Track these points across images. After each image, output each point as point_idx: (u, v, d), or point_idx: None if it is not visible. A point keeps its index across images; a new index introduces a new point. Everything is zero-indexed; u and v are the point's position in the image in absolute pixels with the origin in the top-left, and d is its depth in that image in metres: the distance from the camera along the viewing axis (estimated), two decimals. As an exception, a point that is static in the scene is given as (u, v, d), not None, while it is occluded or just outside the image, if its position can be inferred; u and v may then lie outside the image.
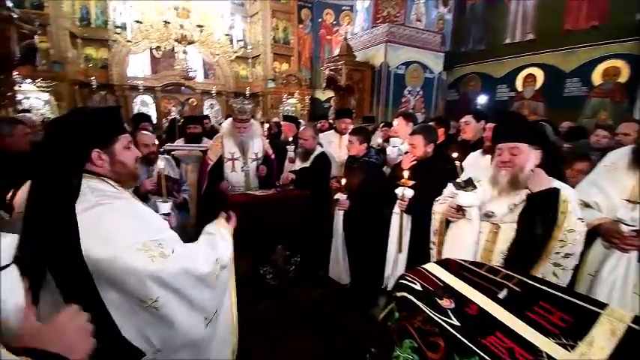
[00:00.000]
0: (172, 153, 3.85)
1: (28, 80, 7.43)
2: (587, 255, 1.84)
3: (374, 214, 2.78)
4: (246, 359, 2.17)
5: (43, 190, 1.10)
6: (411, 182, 2.39)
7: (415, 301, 1.14)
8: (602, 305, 1.14)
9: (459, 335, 0.98)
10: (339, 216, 3.04)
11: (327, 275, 3.18)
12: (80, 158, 1.17)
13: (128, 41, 6.04)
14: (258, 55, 12.76)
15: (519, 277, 1.34)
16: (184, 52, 8.39)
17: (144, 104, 11.02)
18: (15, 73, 4.92)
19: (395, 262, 2.57)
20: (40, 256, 1.02)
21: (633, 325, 1.03)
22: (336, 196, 2.72)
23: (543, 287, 1.28)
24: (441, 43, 7.97)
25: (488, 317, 1.11)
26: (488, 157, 2.50)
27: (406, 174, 2.39)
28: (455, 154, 3.13)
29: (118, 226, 1.12)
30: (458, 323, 1.05)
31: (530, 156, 1.65)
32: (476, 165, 2.71)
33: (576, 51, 6.36)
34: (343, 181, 2.72)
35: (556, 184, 1.67)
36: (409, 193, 2.36)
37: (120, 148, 1.26)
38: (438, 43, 7.82)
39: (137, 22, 5.78)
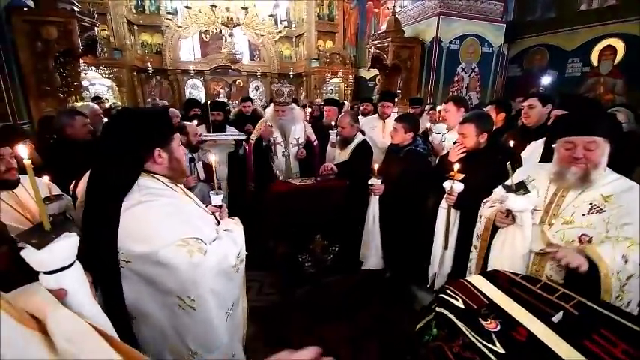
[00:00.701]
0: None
1: (93, 68, 8.11)
2: None
3: (417, 205, 2.65)
4: (282, 344, 2.30)
5: (101, 186, 1.17)
6: (461, 176, 2.20)
7: (455, 320, 1.07)
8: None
9: (502, 366, 0.90)
10: (374, 201, 2.93)
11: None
12: (143, 157, 1.21)
13: (179, 26, 6.29)
14: (302, 34, 12.56)
15: (579, 297, 1.19)
16: (230, 36, 8.57)
17: (194, 87, 11.57)
18: (82, 61, 5.39)
19: (441, 259, 2.45)
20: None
21: None
22: (370, 181, 2.63)
23: (606, 312, 1.12)
24: (503, 12, 7.09)
25: (539, 344, 1.00)
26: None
27: (456, 167, 2.20)
28: (512, 143, 2.84)
29: (158, 223, 1.15)
30: (502, 350, 0.96)
31: (605, 152, 1.45)
32: (536, 158, 2.43)
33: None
34: (376, 166, 2.63)
35: (622, 179, 1.49)
36: (458, 187, 2.17)
37: (175, 145, 1.30)
38: (500, 11, 6.96)
39: (186, 7, 5.96)
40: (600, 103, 2.82)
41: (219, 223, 1.51)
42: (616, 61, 6.29)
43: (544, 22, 7.34)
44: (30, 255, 0.75)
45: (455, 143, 2.63)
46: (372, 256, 3.03)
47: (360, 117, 5.28)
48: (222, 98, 12.24)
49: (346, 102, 10.15)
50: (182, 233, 1.17)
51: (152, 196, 1.18)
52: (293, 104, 3.92)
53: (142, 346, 1.22)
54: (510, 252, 1.53)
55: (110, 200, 1.14)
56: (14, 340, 0.49)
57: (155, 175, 1.25)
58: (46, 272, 0.77)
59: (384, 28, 7.11)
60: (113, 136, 1.20)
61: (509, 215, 1.58)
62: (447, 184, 2.22)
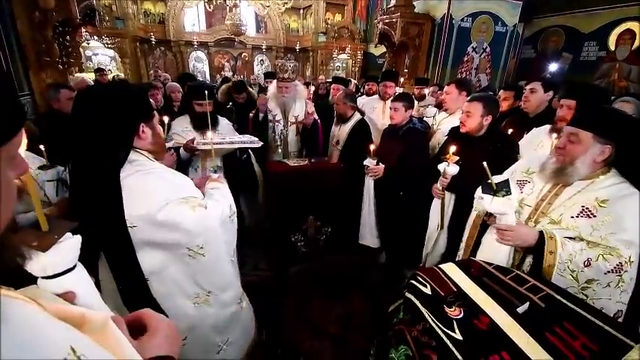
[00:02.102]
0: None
1: (95, 38, 7.99)
2: None
3: (417, 185, 2.64)
4: (277, 317, 2.40)
5: (90, 163, 1.18)
6: (456, 158, 2.15)
7: (419, 306, 1.11)
8: (638, 338, 1.00)
9: (455, 352, 0.94)
10: (369, 182, 2.96)
11: (359, 244, 3.21)
12: (131, 132, 1.23)
13: (181, -5, 6.08)
14: (310, 6, 12.11)
15: (548, 290, 1.21)
16: (235, 6, 8.31)
17: (198, 60, 11.39)
18: (84, 31, 5.30)
19: (436, 240, 2.48)
20: (90, 230, 1.03)
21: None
22: (365, 162, 2.65)
23: (572, 306, 1.15)
24: (521, -11, 6.74)
25: (498, 333, 1.04)
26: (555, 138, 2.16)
27: (452, 149, 2.14)
28: (510, 131, 2.79)
29: (158, 186, 1.23)
30: (460, 337, 1.00)
31: (590, 149, 1.36)
32: (535, 147, 2.38)
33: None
34: (372, 147, 2.61)
35: (625, 186, 1.36)
36: (452, 170, 2.12)
37: (155, 121, 1.33)
38: (517, -12, 6.62)
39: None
40: (607, 93, 2.69)
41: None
42: (634, 47, 6.02)
43: (562, 1, 6.98)
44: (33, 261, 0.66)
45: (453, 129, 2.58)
46: (368, 234, 3.11)
47: (364, 96, 5.24)
48: (228, 72, 12.06)
49: (352, 80, 9.95)
50: (181, 193, 1.28)
51: (144, 166, 1.25)
52: (297, 81, 3.86)
53: (160, 302, 1.30)
54: (495, 247, 1.53)
55: (108, 175, 1.17)
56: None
57: (139, 151, 1.29)
58: (47, 277, 0.69)
59: (393, 2, 6.82)
60: (97, 113, 1.16)
61: (491, 216, 1.56)
62: (441, 166, 2.20)
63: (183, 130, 2.67)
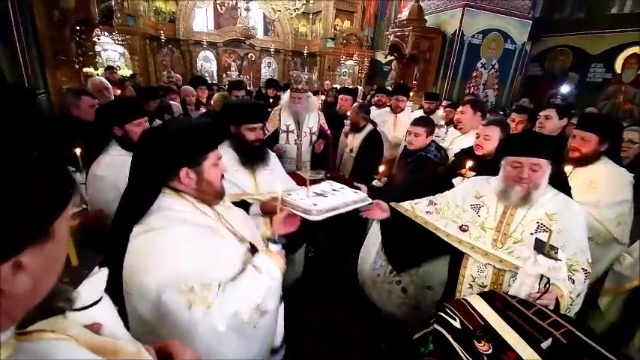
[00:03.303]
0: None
1: (105, 33, 8.00)
2: None
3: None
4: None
5: (126, 198, 1.12)
6: (472, 173, 2.17)
7: (451, 340, 1.15)
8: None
9: (489, 390, 0.98)
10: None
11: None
12: (166, 175, 1.11)
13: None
14: (320, 11, 12.20)
15: (569, 326, 1.26)
16: (247, 10, 8.36)
17: (206, 59, 11.43)
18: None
19: None
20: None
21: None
22: (373, 182, 2.62)
23: (591, 342, 1.19)
24: (530, 8, 6.82)
25: (526, 370, 1.08)
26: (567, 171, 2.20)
27: (469, 163, 2.19)
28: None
29: (165, 258, 1.02)
30: (492, 374, 1.04)
31: (547, 173, 1.54)
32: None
33: None
34: (381, 168, 2.59)
35: (562, 196, 1.61)
36: None
37: (208, 165, 1.15)
38: (527, 7, 6.67)
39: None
40: (621, 126, 2.75)
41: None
42: (640, 71, 6.13)
43: (571, 22, 7.10)
44: None
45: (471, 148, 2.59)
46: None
47: (373, 108, 5.30)
48: (234, 72, 12.10)
49: (359, 87, 10.01)
50: (189, 275, 1.02)
51: (168, 222, 1.06)
52: (309, 92, 3.92)
53: None
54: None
55: (127, 222, 1.07)
56: None
57: (183, 195, 1.14)
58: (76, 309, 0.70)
59: (405, 13, 6.90)
60: (140, 151, 1.13)
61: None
62: (456, 181, 2.23)
63: (228, 170, 2.01)
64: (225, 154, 1.84)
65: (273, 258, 1.23)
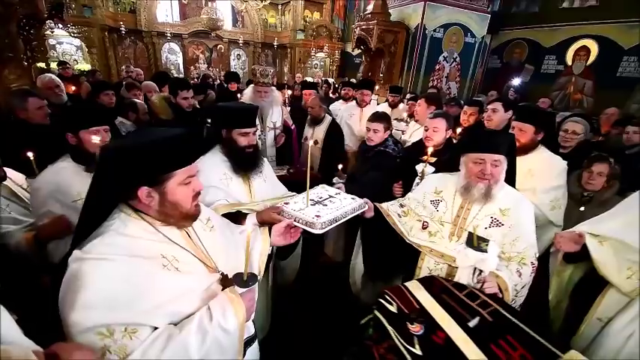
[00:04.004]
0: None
1: (59, 25, 7.52)
2: (601, 298, 1.63)
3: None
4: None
5: (80, 217, 1.03)
6: (434, 159, 2.28)
7: (386, 324, 1.26)
8: (567, 349, 1.20)
9: (415, 367, 1.10)
10: None
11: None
12: (121, 194, 1.01)
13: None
14: (289, 2, 12.03)
15: (496, 306, 1.41)
16: (211, 0, 8.12)
17: (171, 52, 11.00)
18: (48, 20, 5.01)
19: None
20: None
21: (588, 375, 1.10)
22: (333, 180, 2.65)
23: (515, 320, 1.34)
24: (489, 2, 7.11)
25: (452, 347, 1.20)
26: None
27: (430, 150, 2.28)
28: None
29: (93, 295, 0.89)
30: (420, 353, 1.16)
31: (505, 168, 1.64)
32: None
33: (642, 25, 5.50)
34: (340, 166, 2.63)
35: (515, 192, 1.73)
36: (431, 170, 2.24)
37: (174, 184, 1.02)
38: (486, 1, 6.97)
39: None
40: (553, 116, 2.98)
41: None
42: (588, 62, 6.57)
43: (527, 15, 7.46)
44: None
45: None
46: (334, 247, 3.25)
47: (340, 101, 5.39)
48: (202, 64, 11.75)
49: (330, 79, 10.04)
50: (115, 317, 0.90)
51: (108, 250, 0.94)
52: (273, 87, 3.93)
53: None
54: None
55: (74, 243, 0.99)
56: None
57: (143, 215, 1.03)
58: None
59: (371, 7, 6.98)
60: (98, 166, 1.01)
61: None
62: (419, 167, 2.32)
63: (221, 179, 1.82)
64: (217, 162, 1.83)
65: (234, 304, 1.05)
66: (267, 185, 2.00)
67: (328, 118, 3.83)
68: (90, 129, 1.63)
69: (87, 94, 4.60)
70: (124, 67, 6.18)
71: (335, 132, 3.77)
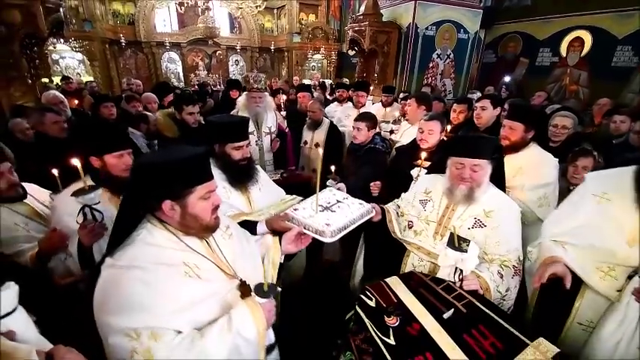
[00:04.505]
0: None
1: (62, 40, 7.73)
2: (577, 302, 1.62)
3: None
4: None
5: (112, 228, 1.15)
6: (428, 163, 2.33)
7: (364, 317, 1.35)
8: (535, 337, 1.28)
9: (387, 355, 1.19)
10: None
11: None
12: (147, 206, 1.12)
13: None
14: (284, 6, 12.15)
15: (470, 298, 1.49)
16: (207, 9, 8.27)
17: (171, 61, 11.19)
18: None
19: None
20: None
21: (554, 362, 1.17)
22: (327, 182, 2.64)
23: (487, 311, 1.43)
24: (481, -2, 7.13)
25: (426, 337, 1.29)
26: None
27: (423, 155, 2.34)
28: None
29: (123, 299, 0.99)
30: (393, 342, 1.25)
31: (487, 172, 1.68)
32: None
33: (634, 14, 5.47)
34: (333, 168, 2.62)
35: (502, 195, 1.77)
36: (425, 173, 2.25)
37: (195, 199, 1.11)
38: (478, -3, 7.00)
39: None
40: (545, 114, 3.00)
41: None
42: (583, 53, 6.57)
43: (520, 8, 7.46)
44: None
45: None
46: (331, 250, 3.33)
47: (336, 103, 5.48)
48: (202, 71, 11.92)
49: (327, 81, 10.12)
50: (141, 321, 0.98)
51: (137, 259, 1.05)
52: (265, 92, 4.03)
53: None
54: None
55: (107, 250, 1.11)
56: None
57: (167, 226, 1.13)
58: None
59: (362, 9, 7.05)
60: (129, 182, 1.15)
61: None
62: (414, 172, 2.39)
63: (221, 192, 1.77)
64: (216, 175, 1.67)
65: (254, 314, 1.11)
66: (264, 193, 2.03)
67: (327, 121, 3.91)
68: (115, 153, 1.64)
69: (90, 107, 4.76)
70: (124, 79, 6.34)
71: (335, 135, 3.87)
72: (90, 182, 1.58)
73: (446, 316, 1.39)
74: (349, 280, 2.39)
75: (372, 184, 2.33)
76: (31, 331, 0.91)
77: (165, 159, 1.10)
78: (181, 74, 11.57)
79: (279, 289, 1.17)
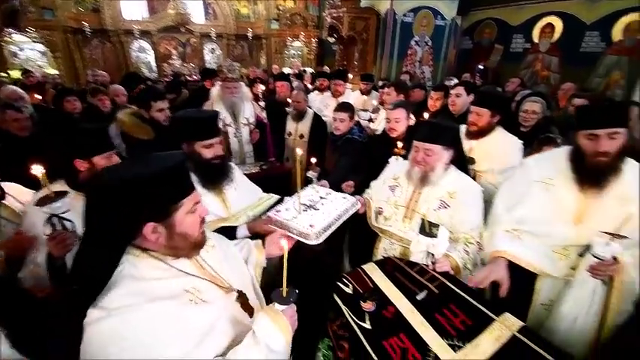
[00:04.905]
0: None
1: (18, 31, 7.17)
2: (537, 285, 1.72)
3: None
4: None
5: (77, 267, 0.98)
6: (404, 151, 2.39)
7: (341, 304, 1.38)
8: (501, 312, 1.35)
9: (363, 339, 1.22)
10: None
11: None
12: (127, 236, 0.92)
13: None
14: (260, -10, 11.78)
15: (442, 279, 1.55)
16: (177, -7, 7.88)
17: (142, 50, 10.64)
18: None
19: None
20: None
21: (517, 335, 1.24)
22: (307, 174, 2.66)
23: (458, 290, 1.49)
24: (457, -17, 7.16)
25: (400, 319, 1.34)
26: (469, 144, 2.47)
27: (400, 144, 2.40)
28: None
29: (132, 351, 0.82)
30: (369, 326, 1.29)
31: (443, 157, 1.77)
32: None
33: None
34: (313, 160, 2.65)
35: (463, 177, 1.87)
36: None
37: (182, 215, 0.95)
38: (454, -18, 7.03)
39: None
40: (509, 100, 3.09)
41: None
42: (554, 39, 6.75)
43: (495, -6, 7.53)
44: None
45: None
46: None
47: (316, 92, 5.43)
48: (176, 60, 11.47)
49: (308, 69, 9.98)
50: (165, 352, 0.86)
51: (132, 300, 0.87)
52: (241, 82, 3.93)
53: None
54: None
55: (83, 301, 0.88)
56: None
57: (151, 253, 0.96)
58: None
59: (340, -5, 6.96)
60: (92, 207, 0.89)
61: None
62: (392, 160, 2.44)
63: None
64: None
65: (277, 322, 1.00)
66: (240, 193, 1.92)
67: (310, 112, 3.84)
68: (105, 154, 1.52)
69: (52, 101, 4.50)
70: (89, 71, 6.00)
71: (319, 125, 3.81)
72: (63, 188, 1.46)
73: (419, 297, 1.44)
74: (335, 271, 2.42)
75: (344, 184, 2.36)
76: (2, 346, 0.86)
77: (140, 173, 0.90)
78: (153, 64, 11.06)
79: (297, 291, 1.06)
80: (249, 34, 12.03)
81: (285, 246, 1.05)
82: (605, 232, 1.43)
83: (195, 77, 9.66)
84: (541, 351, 1.15)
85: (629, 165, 1.54)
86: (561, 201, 1.62)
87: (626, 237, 1.39)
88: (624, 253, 1.44)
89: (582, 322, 1.56)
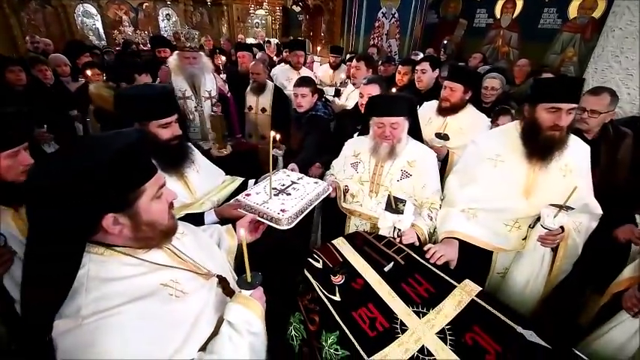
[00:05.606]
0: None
1: None
2: (494, 255, 1.84)
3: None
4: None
5: (29, 274, 0.81)
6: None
7: (311, 279, 1.40)
8: (462, 279, 1.44)
9: (333, 311, 1.25)
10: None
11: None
12: (84, 231, 0.81)
13: None
14: (219, -49, 10.85)
15: (408, 251, 1.61)
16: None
17: (87, 15, 9.54)
18: None
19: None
20: None
21: (476, 299, 1.34)
22: (272, 152, 2.66)
23: (423, 261, 1.56)
24: (425, -47, 7.03)
25: (369, 290, 1.39)
26: (441, 120, 2.51)
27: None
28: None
29: (117, 355, 0.74)
30: (339, 299, 1.32)
31: (405, 128, 1.85)
32: (425, 122, 2.57)
33: (560, -25, 5.84)
34: (278, 136, 2.65)
35: (419, 145, 1.96)
36: None
37: (146, 202, 0.85)
38: (421, -48, 6.89)
39: None
40: (479, 75, 3.17)
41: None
42: (514, 15, 6.93)
43: (459, -33, 7.52)
44: None
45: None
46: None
47: (281, 65, 5.19)
48: (128, 27, 10.46)
49: (273, 40, 9.55)
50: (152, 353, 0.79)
51: (107, 302, 0.78)
52: (201, 52, 3.67)
53: None
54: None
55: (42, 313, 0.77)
56: None
57: (119, 249, 0.87)
58: None
59: (306, -40, 6.58)
60: (33, 201, 0.77)
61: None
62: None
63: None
64: None
65: (250, 307, 0.98)
66: (203, 175, 1.82)
67: (270, 84, 3.69)
68: (9, 151, 1.22)
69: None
70: (27, 37, 5.29)
71: (282, 98, 3.64)
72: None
73: (386, 269, 1.50)
74: (302, 249, 2.45)
75: (312, 168, 2.33)
76: None
77: (101, 156, 0.77)
78: (102, 31, 10.00)
79: (260, 274, 1.03)
80: (208, 1, 11.18)
81: (244, 237, 1.02)
82: (553, 205, 1.54)
83: (149, 46, 8.89)
84: (497, 313, 1.24)
85: (572, 139, 1.66)
86: (511, 176, 1.72)
87: (572, 208, 1.50)
88: (569, 221, 1.58)
89: (532, 285, 1.72)
